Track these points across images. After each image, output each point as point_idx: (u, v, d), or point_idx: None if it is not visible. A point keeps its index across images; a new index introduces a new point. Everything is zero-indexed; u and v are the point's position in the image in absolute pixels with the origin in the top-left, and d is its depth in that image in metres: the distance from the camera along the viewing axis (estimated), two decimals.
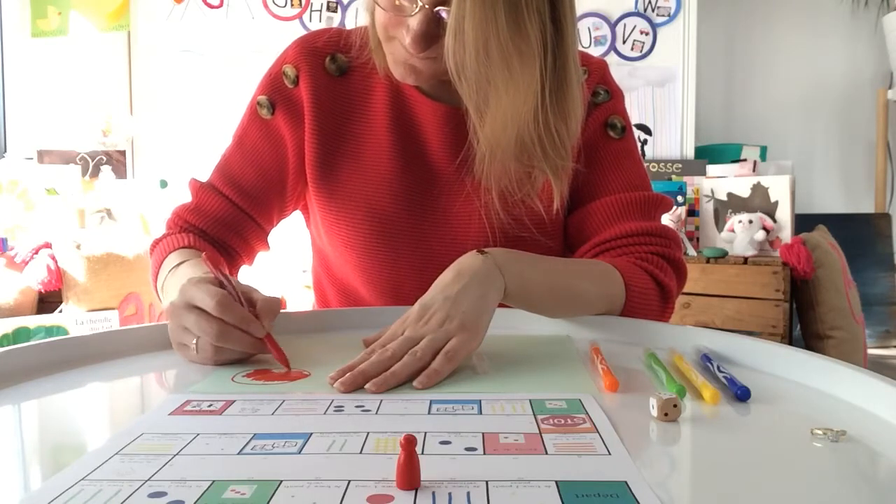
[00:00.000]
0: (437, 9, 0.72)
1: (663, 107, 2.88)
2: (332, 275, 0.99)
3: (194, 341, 0.63)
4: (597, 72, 0.93)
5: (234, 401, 0.52)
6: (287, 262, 2.54)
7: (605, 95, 0.93)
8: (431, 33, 0.73)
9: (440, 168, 0.90)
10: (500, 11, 0.68)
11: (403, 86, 0.90)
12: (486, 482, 0.37)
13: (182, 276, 0.76)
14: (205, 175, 0.96)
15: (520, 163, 0.79)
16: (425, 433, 0.45)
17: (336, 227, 0.91)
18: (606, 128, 0.92)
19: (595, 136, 0.91)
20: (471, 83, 0.72)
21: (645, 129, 2.88)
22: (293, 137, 0.91)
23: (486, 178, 0.81)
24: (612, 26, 2.87)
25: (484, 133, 0.76)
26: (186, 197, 0.95)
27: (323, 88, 0.91)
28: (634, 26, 2.87)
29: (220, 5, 2.87)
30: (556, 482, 0.37)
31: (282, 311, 0.70)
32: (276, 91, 0.92)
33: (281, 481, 0.38)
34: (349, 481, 0.38)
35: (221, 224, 0.91)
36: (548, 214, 0.87)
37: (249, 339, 0.63)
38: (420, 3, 0.72)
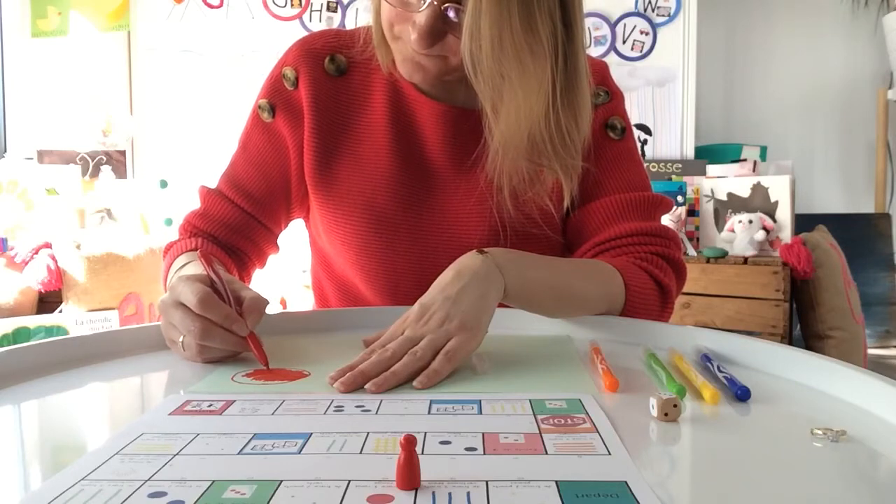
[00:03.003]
0: (445, 6, 0.72)
1: (663, 107, 2.88)
2: (332, 272, 0.99)
3: (180, 338, 0.63)
4: (597, 73, 0.94)
5: (234, 401, 0.52)
6: (287, 262, 2.54)
7: (605, 97, 0.93)
8: (438, 30, 0.74)
9: (438, 166, 0.90)
10: (514, 11, 0.69)
11: (403, 84, 0.90)
12: (486, 482, 0.37)
13: (185, 274, 0.77)
14: (209, 179, 0.97)
15: (531, 162, 0.80)
16: (425, 433, 0.45)
17: (334, 224, 0.91)
18: (606, 129, 0.92)
19: (595, 137, 0.91)
20: (486, 79, 0.73)
21: (645, 129, 2.88)
22: (293, 139, 0.92)
23: (497, 177, 0.82)
24: (612, 26, 2.87)
25: (499, 128, 0.77)
26: (195, 202, 0.96)
27: (322, 89, 0.91)
28: (634, 26, 2.87)
29: (220, 5, 2.87)
30: (556, 482, 0.37)
31: (282, 310, 0.70)
32: (276, 94, 0.92)
33: (281, 481, 0.38)
34: (349, 481, 0.38)
35: (230, 229, 0.92)
36: (557, 213, 0.89)
37: (234, 338, 0.63)
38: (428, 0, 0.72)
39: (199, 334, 0.62)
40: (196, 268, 0.78)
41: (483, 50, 0.70)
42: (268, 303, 0.68)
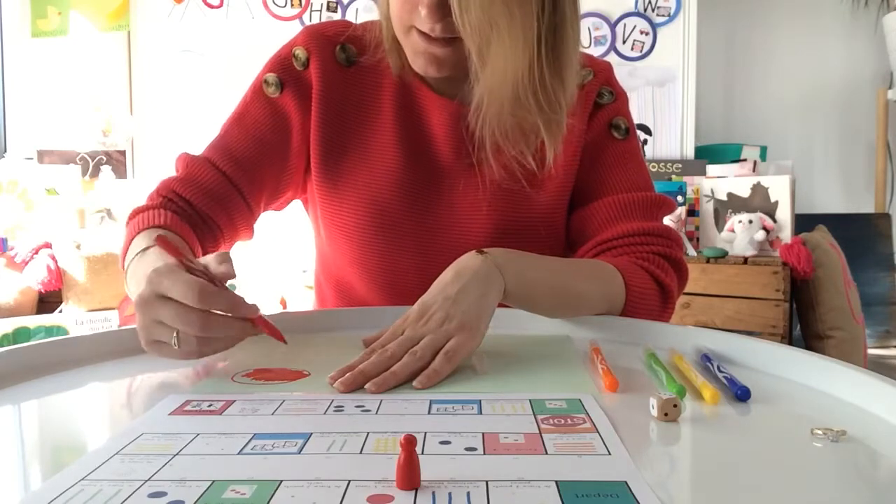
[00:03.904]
0: None
1: (663, 107, 2.88)
2: (329, 272, 0.99)
3: (174, 335, 0.58)
4: (602, 73, 0.94)
5: (234, 401, 0.52)
6: (287, 262, 2.54)
7: (609, 97, 0.93)
8: (446, 2, 0.73)
9: (445, 164, 0.90)
10: None
11: (411, 80, 0.90)
12: (486, 482, 0.37)
13: (148, 263, 0.68)
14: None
15: (514, 116, 0.80)
16: (425, 433, 0.45)
17: (337, 218, 0.91)
18: (610, 128, 0.92)
19: (599, 137, 0.92)
20: (474, 26, 0.72)
21: (645, 129, 2.88)
22: (300, 119, 0.90)
23: (479, 129, 0.81)
24: (612, 26, 2.87)
25: (484, 75, 0.77)
26: (171, 170, 0.91)
27: (332, 76, 0.90)
28: (634, 26, 2.87)
29: (220, 5, 2.87)
30: (556, 482, 0.37)
31: (282, 310, 0.70)
32: (285, 70, 0.91)
33: (281, 481, 0.38)
34: (349, 481, 0.38)
35: (211, 197, 0.86)
36: (540, 173, 0.86)
37: (238, 323, 0.59)
38: None
39: (201, 326, 0.57)
40: (161, 254, 0.70)
41: None
42: (229, 254, 0.62)
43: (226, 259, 0.60)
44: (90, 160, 2.75)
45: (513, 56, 0.74)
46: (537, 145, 0.84)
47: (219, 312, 0.58)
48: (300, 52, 0.91)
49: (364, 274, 0.92)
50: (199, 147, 0.92)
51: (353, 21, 0.96)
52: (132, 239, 0.79)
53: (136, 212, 0.84)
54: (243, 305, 0.59)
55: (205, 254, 0.85)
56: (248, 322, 0.60)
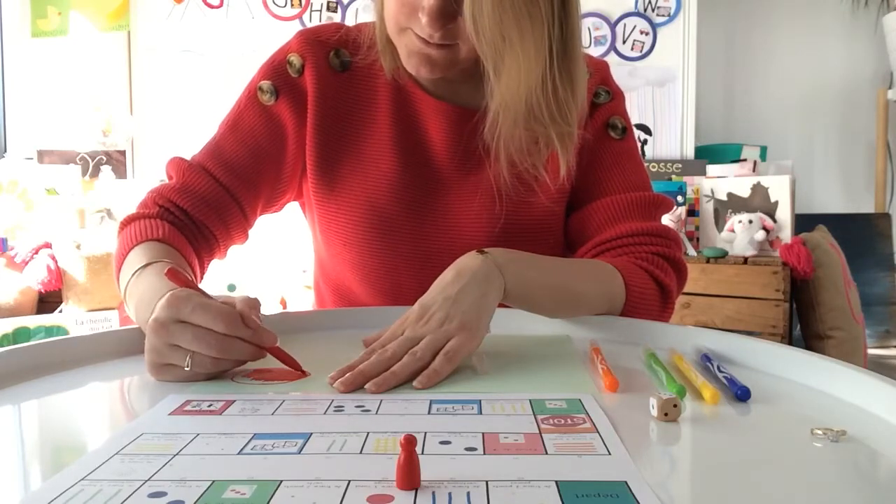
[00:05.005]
0: None
1: (663, 107, 2.88)
2: (328, 276, 0.99)
3: (187, 357, 0.58)
4: (598, 73, 0.94)
5: (234, 401, 0.52)
6: (287, 262, 2.54)
7: (605, 96, 0.93)
8: (448, 10, 0.73)
9: (441, 167, 0.90)
10: None
11: (407, 84, 0.90)
12: (486, 482, 0.37)
13: (151, 285, 0.68)
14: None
15: (528, 130, 0.80)
16: (425, 433, 0.45)
17: (335, 223, 0.91)
18: (607, 128, 0.92)
19: (596, 137, 0.91)
20: (488, 40, 0.72)
21: (645, 129, 2.88)
22: (295, 126, 0.90)
23: (495, 143, 0.81)
24: (612, 26, 2.87)
25: (499, 90, 0.77)
26: (163, 175, 0.90)
27: (327, 82, 0.90)
28: (634, 26, 2.87)
29: (220, 5, 2.87)
30: (556, 482, 0.37)
31: (282, 311, 0.70)
32: (279, 78, 0.90)
33: (281, 481, 0.38)
34: (349, 481, 0.38)
35: (207, 206, 0.86)
36: (554, 184, 0.87)
37: (253, 349, 0.60)
38: None
39: (219, 349, 0.57)
40: (161, 277, 0.67)
41: (485, 11, 0.70)
42: (258, 301, 0.64)
43: (255, 305, 0.62)
44: (90, 160, 2.75)
45: (526, 69, 0.74)
46: (548, 156, 0.84)
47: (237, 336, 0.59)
48: (295, 58, 0.90)
49: (362, 278, 0.92)
50: (197, 148, 0.92)
51: (352, 22, 0.96)
52: (129, 250, 0.79)
53: (130, 219, 0.84)
54: (264, 333, 0.60)
55: (200, 262, 0.86)
56: (263, 350, 0.61)
